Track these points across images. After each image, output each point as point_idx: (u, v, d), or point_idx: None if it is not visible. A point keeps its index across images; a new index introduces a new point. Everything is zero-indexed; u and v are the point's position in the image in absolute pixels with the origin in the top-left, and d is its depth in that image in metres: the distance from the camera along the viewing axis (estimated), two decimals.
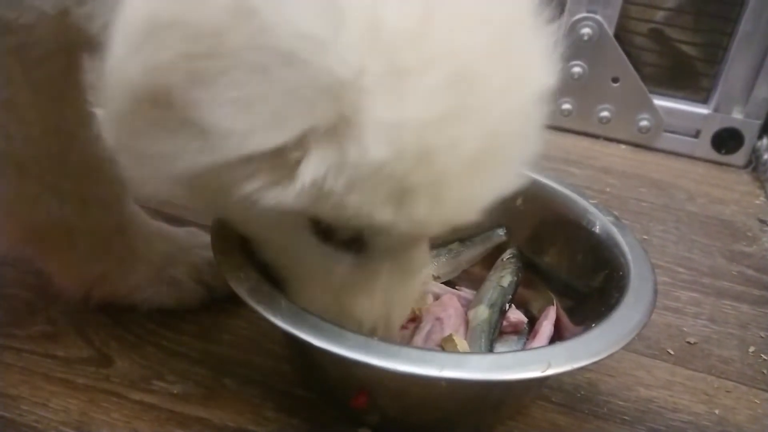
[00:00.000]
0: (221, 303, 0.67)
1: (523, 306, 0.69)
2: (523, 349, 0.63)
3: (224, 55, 0.36)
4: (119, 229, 0.62)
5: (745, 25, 1.06)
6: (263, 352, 0.63)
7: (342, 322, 0.48)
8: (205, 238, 0.62)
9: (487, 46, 0.40)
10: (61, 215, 0.57)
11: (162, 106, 0.38)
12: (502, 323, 0.64)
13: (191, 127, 0.37)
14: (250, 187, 0.40)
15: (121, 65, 0.38)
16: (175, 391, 0.58)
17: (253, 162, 0.38)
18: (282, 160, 0.38)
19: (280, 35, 0.35)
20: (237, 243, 0.55)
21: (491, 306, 0.64)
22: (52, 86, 0.52)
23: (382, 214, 0.40)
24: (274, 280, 0.53)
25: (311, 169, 0.38)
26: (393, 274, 0.50)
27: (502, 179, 0.44)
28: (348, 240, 0.46)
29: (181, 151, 0.39)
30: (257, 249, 0.53)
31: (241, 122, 0.37)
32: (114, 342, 0.63)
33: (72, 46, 0.50)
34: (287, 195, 0.39)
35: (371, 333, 0.51)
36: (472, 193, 0.43)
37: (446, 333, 0.60)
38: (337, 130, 0.37)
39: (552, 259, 0.69)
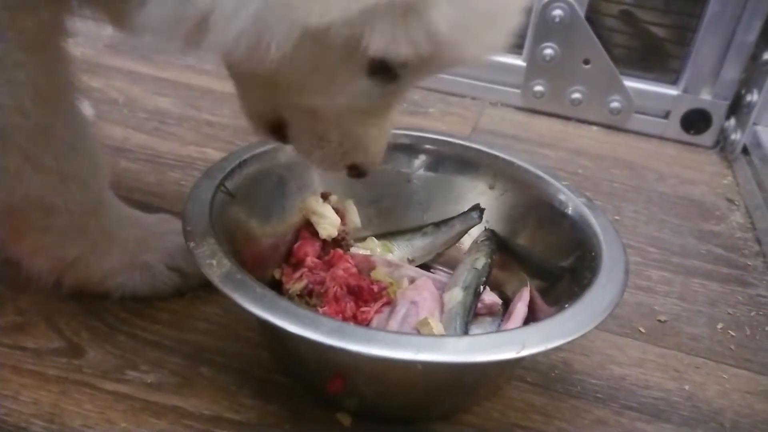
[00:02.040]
0: (195, 290, 0.66)
1: (497, 288, 0.69)
2: (498, 330, 0.64)
3: None
4: (95, 210, 0.61)
5: (713, 7, 1.07)
6: (239, 339, 0.62)
7: (353, 153, 0.55)
8: (178, 224, 0.61)
9: None
10: (40, 192, 0.56)
11: None
12: (476, 305, 0.65)
13: None
14: (377, 42, 0.42)
15: None
16: (149, 381, 0.57)
17: (378, 15, 0.41)
18: (408, 12, 0.41)
19: None
20: (210, 231, 0.55)
21: (466, 288, 0.64)
22: (42, 45, 0.51)
23: (482, 49, 0.45)
24: (246, 267, 0.52)
25: (440, 18, 0.41)
26: (400, 102, 0.56)
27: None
28: (387, 75, 0.48)
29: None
30: (279, 101, 0.54)
31: None
32: (85, 332, 0.62)
33: None
34: (413, 46, 0.42)
35: (374, 157, 0.57)
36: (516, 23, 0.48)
37: (421, 316, 0.60)
38: None
39: (525, 240, 0.70)
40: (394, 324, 0.60)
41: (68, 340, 0.61)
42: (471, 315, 0.63)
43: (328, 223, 0.67)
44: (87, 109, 0.94)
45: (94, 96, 1.02)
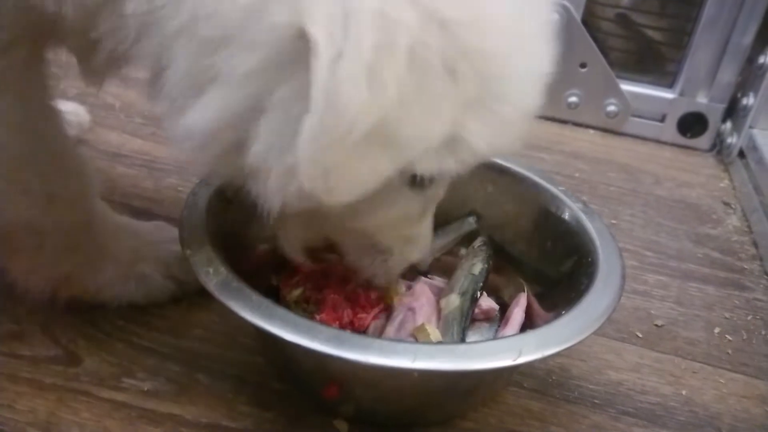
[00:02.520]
0: (192, 297, 0.66)
1: (494, 293, 0.69)
2: (495, 337, 0.64)
3: (423, 65, 0.39)
4: (86, 226, 0.61)
5: (708, 10, 1.07)
6: (236, 346, 0.62)
7: (410, 253, 0.57)
8: (173, 232, 0.62)
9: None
10: (28, 214, 0.56)
11: (369, 139, 0.39)
12: (473, 311, 0.65)
13: (385, 147, 0.41)
14: (426, 168, 0.45)
15: (349, 109, 0.38)
16: (145, 388, 0.57)
17: (428, 150, 0.43)
18: (449, 139, 0.43)
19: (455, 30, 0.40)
20: (206, 238, 0.55)
21: (463, 294, 0.64)
22: (16, 81, 0.51)
23: (512, 144, 0.48)
24: (242, 274, 0.52)
25: (477, 138, 0.44)
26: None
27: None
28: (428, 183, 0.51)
29: (376, 170, 0.43)
30: (328, 229, 0.56)
31: (425, 123, 0.42)
32: (82, 340, 0.61)
33: (37, 33, 0.49)
34: (461, 164, 0.45)
35: (425, 251, 0.60)
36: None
37: (419, 322, 0.60)
38: (485, 97, 0.43)
39: (522, 245, 0.70)
40: (391, 330, 0.60)
41: (65, 348, 0.60)
42: (468, 321, 0.63)
43: None
44: (83, 115, 0.94)
45: (90, 101, 1.02)
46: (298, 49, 0.38)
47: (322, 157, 0.39)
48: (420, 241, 0.58)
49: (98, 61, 0.48)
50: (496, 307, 0.67)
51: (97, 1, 0.43)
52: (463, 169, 0.46)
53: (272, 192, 0.44)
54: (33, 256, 0.59)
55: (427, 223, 0.59)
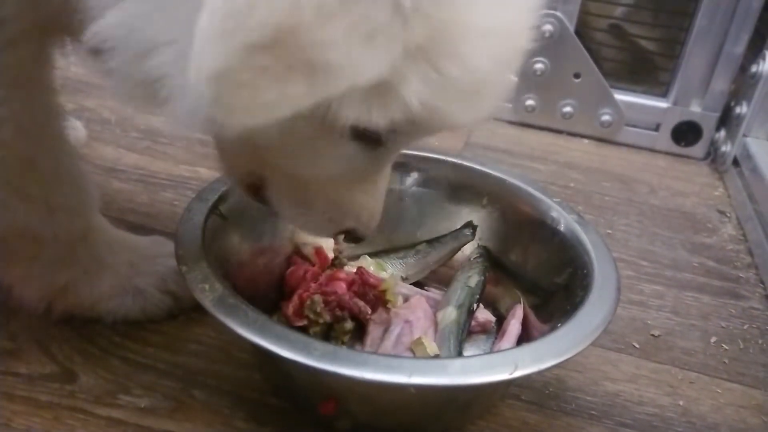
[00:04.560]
0: (188, 312, 0.66)
1: (491, 305, 0.69)
2: (491, 350, 0.64)
3: None
4: (84, 237, 0.61)
5: (701, 20, 1.08)
6: (232, 362, 0.62)
7: (341, 219, 0.53)
8: (170, 246, 0.61)
9: None
10: (27, 222, 0.56)
11: (279, 50, 0.35)
12: (470, 323, 0.65)
13: (301, 70, 0.36)
14: (349, 114, 0.40)
15: (247, 11, 0.33)
16: (142, 405, 0.57)
17: (355, 92, 0.39)
18: (381, 86, 0.39)
19: None
20: (202, 254, 0.55)
21: (459, 307, 0.64)
22: (22, 79, 0.50)
23: (464, 116, 0.44)
24: (238, 291, 0.52)
25: (411, 92, 0.39)
26: (389, 167, 0.54)
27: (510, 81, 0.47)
28: (373, 139, 0.46)
29: (287, 96, 0.37)
30: (263, 170, 0.52)
31: (356, 56, 0.36)
32: (78, 356, 0.61)
33: (43, 28, 0.49)
34: (386, 117, 0.40)
35: (365, 226, 0.55)
36: (505, 86, 0.46)
37: (415, 335, 0.60)
38: (433, 48, 0.38)
39: (518, 257, 0.70)
40: (388, 344, 0.60)
41: (61, 365, 0.60)
42: (465, 333, 0.64)
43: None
44: (79, 129, 0.94)
45: (86, 116, 1.03)
46: None
47: (212, 60, 0.34)
48: (359, 211, 0.53)
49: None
50: (493, 319, 0.67)
51: None
52: (390, 125, 0.41)
53: (173, 111, 0.40)
54: (29, 265, 0.59)
55: (374, 193, 0.54)
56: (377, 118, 0.40)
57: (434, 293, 0.70)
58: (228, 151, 0.53)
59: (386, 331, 0.62)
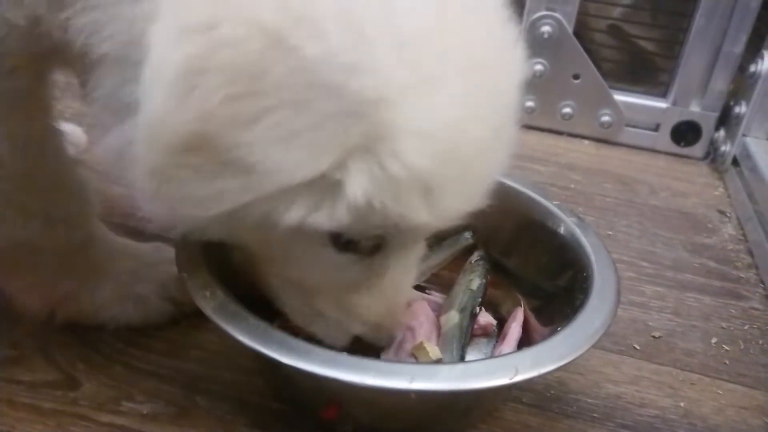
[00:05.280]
0: (190, 318, 0.66)
1: (492, 307, 0.69)
2: (492, 354, 0.64)
3: (266, 94, 0.37)
4: (84, 246, 0.61)
5: (699, 20, 1.08)
6: (234, 367, 0.62)
7: (349, 324, 0.52)
8: (171, 253, 0.61)
9: (489, 38, 0.44)
10: (26, 235, 0.56)
11: (204, 152, 0.38)
12: (473, 327, 0.65)
13: (232, 169, 0.38)
14: (294, 214, 0.41)
15: (162, 118, 0.38)
16: (145, 412, 0.57)
17: (295, 191, 0.40)
18: (324, 185, 0.40)
19: (315, 68, 0.37)
20: (202, 260, 0.55)
21: (461, 311, 0.64)
22: (21, 100, 0.51)
23: (420, 215, 0.42)
24: (240, 297, 0.52)
25: (355, 189, 0.40)
26: (398, 268, 0.52)
27: (502, 161, 0.48)
28: (368, 247, 0.48)
29: (222, 192, 0.40)
30: (259, 268, 0.53)
31: (285, 157, 0.38)
32: (81, 363, 0.61)
33: (42, 57, 0.49)
34: (333, 216, 0.41)
35: (377, 330, 0.53)
36: (485, 178, 0.47)
37: (418, 341, 0.60)
38: (373, 147, 0.39)
39: (518, 260, 0.70)
40: (390, 350, 0.60)
41: (64, 372, 0.61)
42: (468, 337, 0.63)
43: None
44: (79, 135, 0.94)
45: (86, 122, 1.03)
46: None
47: (145, 160, 0.39)
48: (366, 314, 0.52)
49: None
50: (494, 322, 0.67)
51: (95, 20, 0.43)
52: (335, 225, 0.41)
53: (154, 213, 0.45)
54: (30, 275, 0.60)
55: (380, 296, 0.52)
56: (324, 218, 0.41)
57: (436, 296, 0.70)
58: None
59: None
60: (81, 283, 0.62)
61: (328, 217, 0.41)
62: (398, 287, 0.54)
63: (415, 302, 0.66)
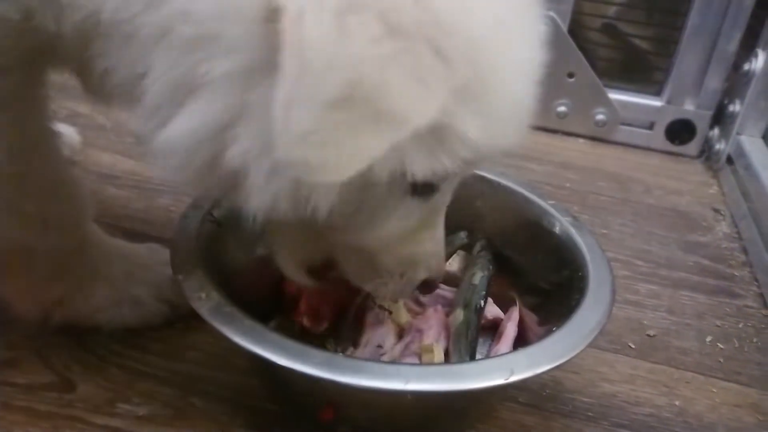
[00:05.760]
0: (185, 319, 0.66)
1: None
2: (488, 354, 0.64)
3: (402, 33, 0.37)
4: (79, 249, 0.61)
5: (693, 19, 1.09)
6: (230, 368, 0.62)
7: (414, 273, 0.54)
8: (166, 254, 0.62)
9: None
10: (21, 237, 0.56)
11: (355, 104, 0.37)
12: (480, 321, 0.64)
13: (375, 119, 0.38)
14: (419, 165, 0.42)
15: (317, 71, 0.36)
16: (141, 413, 0.57)
17: (420, 139, 0.41)
18: (438, 130, 0.41)
19: (439, 5, 0.39)
20: (198, 262, 0.55)
21: (466, 307, 0.64)
22: (14, 101, 0.51)
23: (509, 141, 0.46)
24: (234, 299, 0.52)
25: (469, 129, 0.42)
26: (444, 207, 0.55)
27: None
28: (430, 188, 0.49)
29: (362, 149, 0.39)
30: (329, 241, 0.53)
31: (418, 99, 0.38)
32: (76, 365, 0.61)
33: (35, 54, 0.49)
34: (450, 160, 0.43)
35: (437, 270, 0.56)
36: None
37: (425, 342, 0.60)
38: (477, 85, 0.41)
39: (514, 260, 0.70)
40: (397, 350, 0.60)
41: (59, 374, 0.60)
42: (476, 332, 0.63)
43: None
44: (73, 136, 0.94)
45: (80, 122, 1.02)
46: (271, 46, 0.37)
47: (297, 123, 0.37)
48: (427, 259, 0.55)
49: (96, 81, 0.48)
50: (502, 314, 0.67)
51: (87, 16, 0.43)
52: (456, 166, 0.44)
53: (255, 195, 0.42)
54: (25, 278, 0.59)
55: (436, 238, 0.56)
56: (443, 162, 0.43)
57: (445, 290, 0.70)
58: (292, 240, 0.54)
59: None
60: (76, 286, 0.62)
61: (450, 161, 0.43)
62: (442, 225, 0.56)
63: (429, 309, 0.66)
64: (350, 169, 0.39)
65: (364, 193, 0.45)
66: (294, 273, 0.57)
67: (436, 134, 0.42)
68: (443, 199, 0.53)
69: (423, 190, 0.48)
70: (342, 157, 0.39)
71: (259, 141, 0.40)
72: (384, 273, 0.54)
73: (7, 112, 0.51)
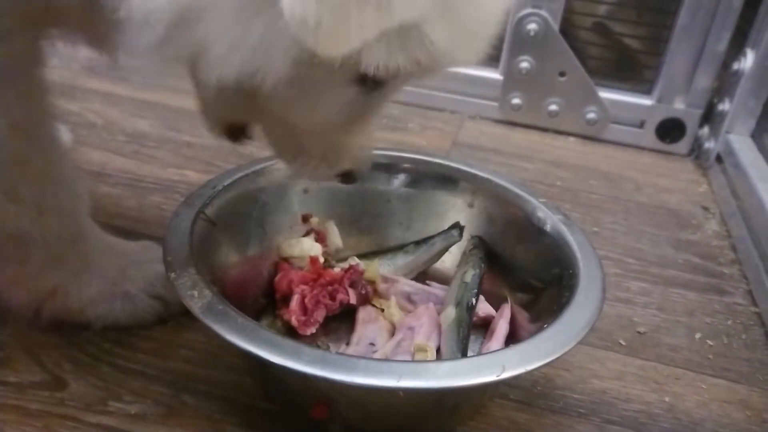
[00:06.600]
0: (178, 317, 0.66)
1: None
2: (480, 351, 0.64)
3: None
4: (74, 239, 0.61)
5: (683, 18, 1.09)
6: (222, 366, 0.62)
7: (337, 160, 0.55)
8: (159, 251, 0.61)
9: None
10: (17, 224, 0.55)
11: None
12: (472, 319, 0.65)
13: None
14: (378, 59, 0.42)
15: None
16: (132, 412, 0.57)
17: (400, 32, 0.41)
18: (409, 30, 0.42)
19: None
20: (190, 260, 0.55)
21: (457, 305, 0.65)
22: (15, 74, 0.51)
23: (463, 56, 0.47)
24: (226, 297, 0.52)
25: (437, 33, 0.43)
26: (383, 106, 0.55)
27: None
28: (376, 83, 0.49)
29: (363, 24, 0.39)
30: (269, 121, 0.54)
31: None
32: (67, 363, 0.61)
33: (35, 20, 0.49)
34: (412, 57, 0.43)
35: (361, 162, 0.57)
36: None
37: (417, 340, 0.61)
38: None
39: (505, 258, 0.71)
40: (389, 348, 0.60)
41: (50, 373, 0.60)
42: (467, 330, 0.63)
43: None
44: (65, 134, 0.94)
45: (71, 120, 1.02)
46: None
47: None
48: (354, 150, 0.56)
49: (103, 28, 0.46)
50: (494, 312, 0.67)
51: None
52: (410, 69, 0.44)
53: (216, 66, 0.43)
54: (17, 267, 0.59)
55: (367, 132, 0.56)
56: (399, 60, 0.43)
57: (437, 289, 0.70)
58: (218, 100, 0.53)
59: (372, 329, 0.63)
60: (69, 278, 0.61)
61: (405, 60, 0.43)
62: (376, 123, 0.57)
63: (420, 307, 0.66)
64: (349, 44, 0.40)
65: (314, 71, 0.45)
66: (212, 127, 0.58)
67: (403, 33, 0.42)
68: (385, 97, 0.53)
69: (369, 83, 0.48)
70: (349, 29, 0.39)
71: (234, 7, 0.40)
72: (306, 153, 0.55)
73: (12, 89, 0.50)
